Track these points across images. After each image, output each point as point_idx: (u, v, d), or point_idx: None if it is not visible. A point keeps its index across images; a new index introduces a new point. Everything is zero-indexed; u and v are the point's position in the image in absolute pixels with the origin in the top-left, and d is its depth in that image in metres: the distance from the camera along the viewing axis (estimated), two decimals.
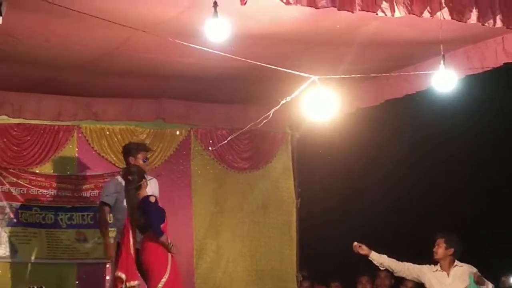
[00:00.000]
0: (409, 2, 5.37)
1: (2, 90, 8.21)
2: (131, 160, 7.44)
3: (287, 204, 9.70)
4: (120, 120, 8.82)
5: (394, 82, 7.95)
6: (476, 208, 9.07)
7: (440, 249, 6.90)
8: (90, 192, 8.69)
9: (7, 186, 8.38)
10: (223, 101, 9.14)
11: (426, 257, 7.04)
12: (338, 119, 6.17)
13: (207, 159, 9.35)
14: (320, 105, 5.59)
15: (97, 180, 8.72)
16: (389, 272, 7.47)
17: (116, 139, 8.86)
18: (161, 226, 6.82)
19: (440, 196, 9.28)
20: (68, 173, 8.70)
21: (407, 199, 9.45)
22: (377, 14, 5.36)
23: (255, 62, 5.73)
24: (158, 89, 8.50)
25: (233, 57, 5.65)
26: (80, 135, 8.77)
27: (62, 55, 6.93)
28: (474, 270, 6.78)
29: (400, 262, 7.07)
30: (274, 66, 5.73)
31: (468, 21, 5.65)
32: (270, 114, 5.79)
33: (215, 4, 4.98)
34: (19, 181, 8.43)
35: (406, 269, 7.08)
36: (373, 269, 7.78)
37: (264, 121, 5.90)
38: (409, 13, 5.41)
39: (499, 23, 5.77)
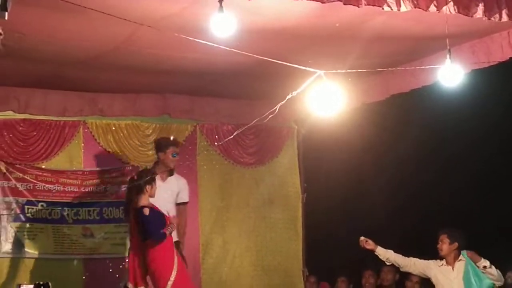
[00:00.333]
0: None
1: (8, 86, 8.24)
2: (161, 155, 7.57)
3: (293, 199, 9.69)
4: (125, 115, 8.84)
5: (400, 77, 7.92)
6: (483, 203, 9.02)
7: (444, 245, 6.92)
8: (96, 188, 8.71)
9: (14, 181, 8.38)
10: (228, 96, 9.14)
11: (432, 253, 7.04)
12: (344, 114, 6.14)
13: (213, 154, 9.34)
14: (326, 100, 5.56)
15: (103, 176, 8.73)
16: (393, 267, 7.47)
17: (122, 134, 8.87)
18: (162, 230, 6.90)
19: (446, 191, 9.24)
20: (74, 168, 8.69)
21: (413, 194, 9.41)
22: (383, 8, 5.34)
23: (260, 57, 5.70)
24: (163, 85, 8.50)
25: (239, 52, 5.62)
26: (86, 130, 8.77)
27: (68, 50, 6.94)
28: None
29: (406, 257, 7.09)
30: (280, 61, 5.71)
31: (474, 15, 5.64)
32: (276, 109, 5.75)
33: None
34: (25, 177, 8.43)
35: (412, 264, 7.09)
36: (378, 264, 7.78)
37: (270, 116, 5.86)
38: (415, 8, 5.40)
39: (505, 18, 5.76)
